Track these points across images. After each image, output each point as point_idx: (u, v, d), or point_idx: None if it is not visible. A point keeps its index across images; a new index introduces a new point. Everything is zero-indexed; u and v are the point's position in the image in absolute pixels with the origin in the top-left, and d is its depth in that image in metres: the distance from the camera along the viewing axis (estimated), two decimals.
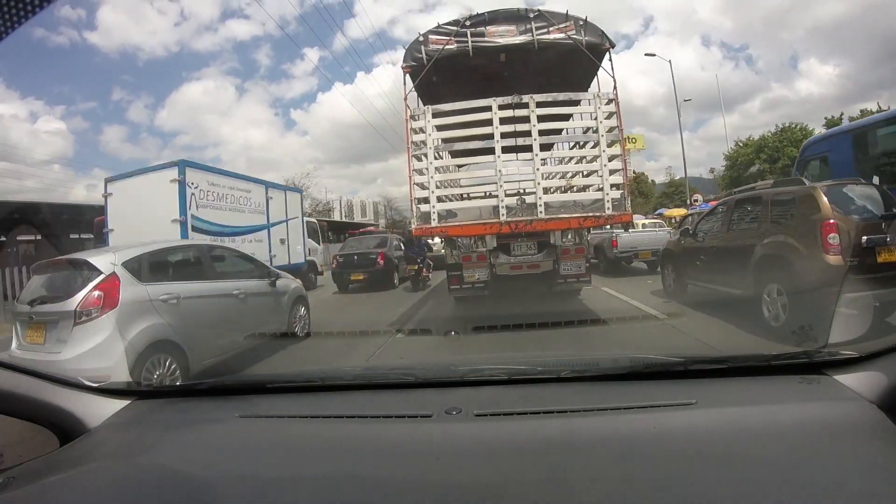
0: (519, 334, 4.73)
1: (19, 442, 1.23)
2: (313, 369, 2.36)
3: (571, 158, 7.11)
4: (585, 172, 6.38)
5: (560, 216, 6.12)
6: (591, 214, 6.06)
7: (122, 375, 3.63)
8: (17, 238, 14.16)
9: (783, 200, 5.53)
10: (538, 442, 1.05)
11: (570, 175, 7.19)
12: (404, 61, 6.43)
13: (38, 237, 14.15)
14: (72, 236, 14.57)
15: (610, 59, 6.44)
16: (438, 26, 6.38)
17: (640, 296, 7.70)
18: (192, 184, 8.86)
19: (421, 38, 6.34)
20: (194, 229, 8.61)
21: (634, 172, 53.78)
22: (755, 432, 1.03)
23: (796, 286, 4.81)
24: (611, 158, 6.08)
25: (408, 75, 6.43)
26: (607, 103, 6.12)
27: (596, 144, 6.17)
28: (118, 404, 1.41)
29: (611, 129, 6.09)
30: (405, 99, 6.44)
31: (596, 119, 6.12)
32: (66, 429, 1.27)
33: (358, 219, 70.89)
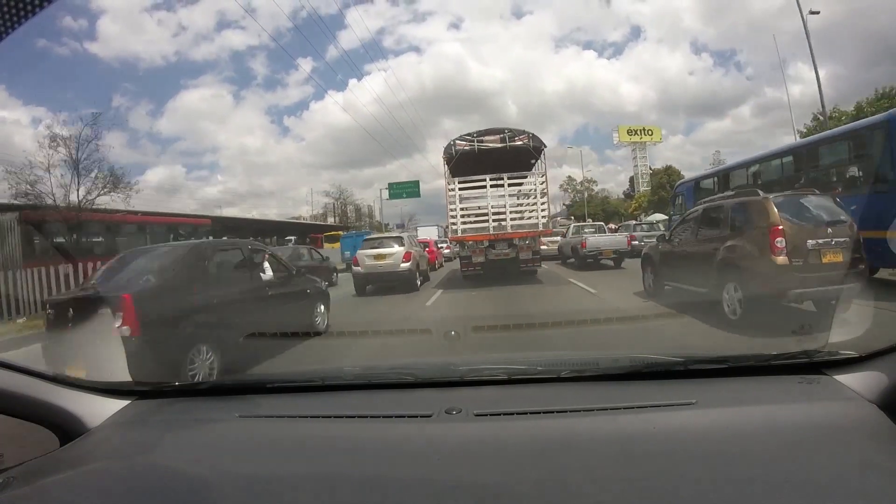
0: (519, 334, 5.22)
1: (19, 442, 1.23)
2: (313, 369, 2.44)
3: (524, 203, 13.26)
4: (530, 209, 13.00)
5: (518, 231, 12.54)
6: (531, 230, 12.58)
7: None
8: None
9: (740, 209, 6.12)
10: (538, 442, 1.06)
11: (522, 211, 13.07)
12: (443, 153, 12.84)
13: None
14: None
15: (544, 155, 13.02)
16: (461, 136, 12.80)
17: (622, 298, 8.32)
18: None
19: (452, 143, 12.70)
20: None
21: (651, 168, 55.77)
22: (755, 432, 1.03)
23: (750, 285, 5.27)
24: (542, 203, 12.59)
25: (444, 161, 12.95)
26: (541, 177, 12.81)
27: (535, 196, 12.62)
28: (118, 404, 1.41)
29: (543, 189, 12.68)
30: (444, 174, 12.90)
31: (535, 184, 12.80)
32: (66, 429, 1.26)
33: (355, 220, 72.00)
